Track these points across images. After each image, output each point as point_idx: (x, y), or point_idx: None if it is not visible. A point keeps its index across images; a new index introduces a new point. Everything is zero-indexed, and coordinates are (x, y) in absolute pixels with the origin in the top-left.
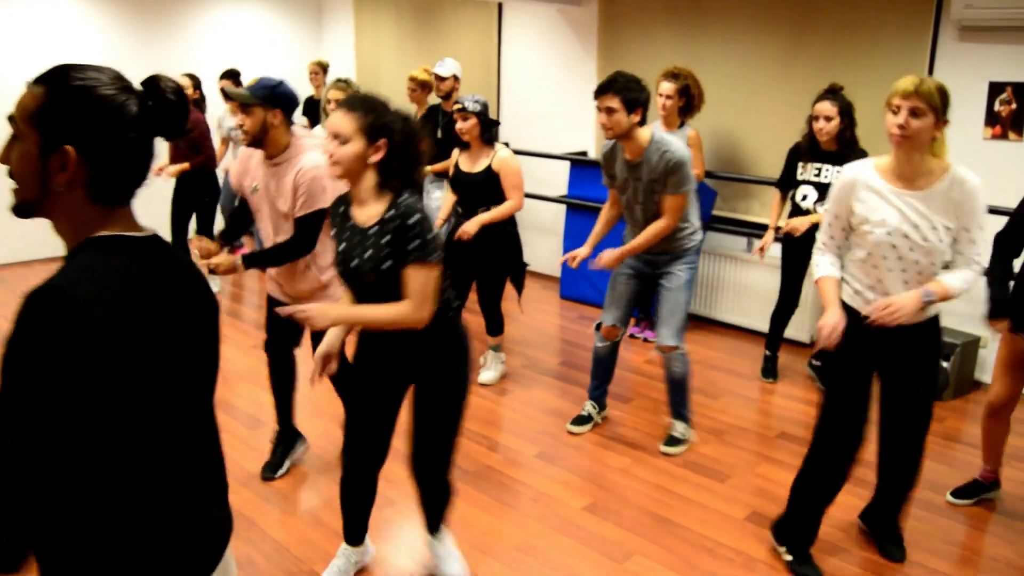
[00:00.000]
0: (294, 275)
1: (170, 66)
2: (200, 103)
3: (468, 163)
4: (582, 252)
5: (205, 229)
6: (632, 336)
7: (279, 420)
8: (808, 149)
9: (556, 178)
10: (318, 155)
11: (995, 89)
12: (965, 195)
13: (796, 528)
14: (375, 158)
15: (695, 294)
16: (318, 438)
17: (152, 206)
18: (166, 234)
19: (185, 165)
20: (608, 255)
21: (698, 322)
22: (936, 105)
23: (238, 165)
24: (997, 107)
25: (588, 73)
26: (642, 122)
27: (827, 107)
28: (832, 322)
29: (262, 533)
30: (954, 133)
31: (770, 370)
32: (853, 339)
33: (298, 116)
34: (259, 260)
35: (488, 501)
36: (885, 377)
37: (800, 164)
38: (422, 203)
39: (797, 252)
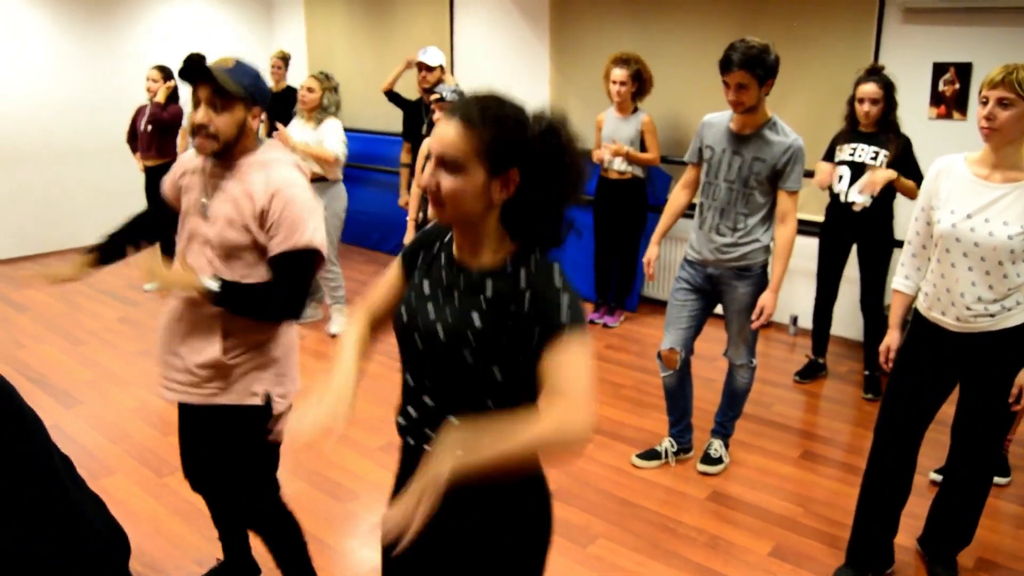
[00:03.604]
0: (200, 332)
1: (118, 62)
2: (175, 94)
3: None
4: (653, 253)
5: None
6: (592, 322)
7: (224, 551)
8: (847, 130)
9: None
10: (294, 173)
11: (939, 70)
12: None
13: (852, 533)
14: (501, 196)
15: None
16: None
17: (128, 202)
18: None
19: None
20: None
21: (656, 305)
22: None
23: (174, 171)
24: (941, 87)
25: (541, 59)
26: (767, 92)
27: (873, 89)
28: (883, 345)
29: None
30: (901, 114)
31: (807, 372)
32: (922, 353)
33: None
34: (232, 296)
35: None
36: (966, 385)
37: (838, 146)
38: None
39: (837, 240)
